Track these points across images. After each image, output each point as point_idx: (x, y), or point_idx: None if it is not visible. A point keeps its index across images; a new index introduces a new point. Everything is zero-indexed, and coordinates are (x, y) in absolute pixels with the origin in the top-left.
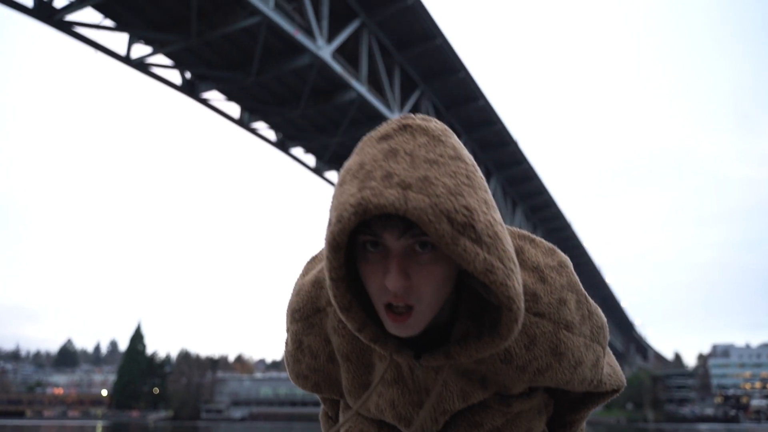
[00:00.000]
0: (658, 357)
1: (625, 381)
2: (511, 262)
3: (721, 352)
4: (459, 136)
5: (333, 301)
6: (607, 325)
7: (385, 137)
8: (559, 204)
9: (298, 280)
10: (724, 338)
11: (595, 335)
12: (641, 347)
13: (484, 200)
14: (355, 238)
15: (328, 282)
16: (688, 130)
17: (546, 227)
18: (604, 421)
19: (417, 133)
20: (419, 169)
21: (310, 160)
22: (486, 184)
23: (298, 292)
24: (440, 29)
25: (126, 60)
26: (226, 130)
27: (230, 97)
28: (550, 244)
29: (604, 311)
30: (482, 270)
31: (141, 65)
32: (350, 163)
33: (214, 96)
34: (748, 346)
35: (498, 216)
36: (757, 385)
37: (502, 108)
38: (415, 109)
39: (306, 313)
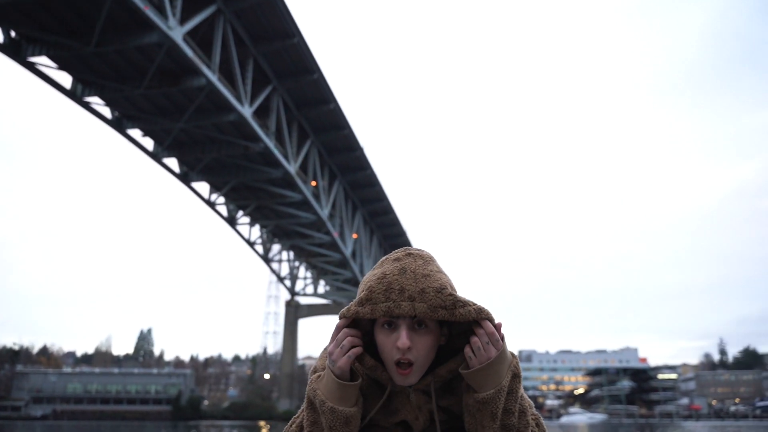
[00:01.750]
0: None
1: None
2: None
3: (525, 356)
4: (306, 138)
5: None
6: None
7: (398, 260)
8: (397, 212)
9: (325, 352)
10: (528, 345)
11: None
12: None
13: (455, 289)
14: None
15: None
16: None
17: (383, 233)
18: None
19: (416, 257)
20: (419, 283)
21: (149, 143)
22: (453, 283)
23: (320, 376)
24: (299, 28)
25: None
26: (55, 106)
27: (63, 65)
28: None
29: None
30: (476, 314)
31: None
32: (377, 272)
33: (44, 62)
34: (547, 353)
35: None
36: (552, 387)
37: (352, 113)
38: (265, 106)
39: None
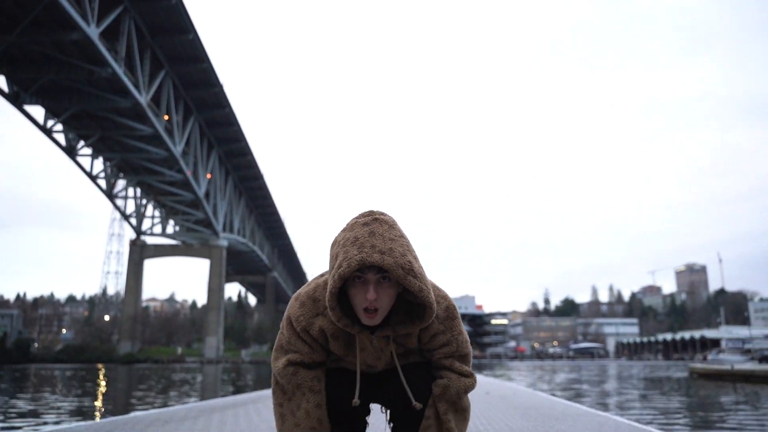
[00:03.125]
0: None
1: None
2: (429, 288)
3: None
4: (160, 68)
5: (328, 304)
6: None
7: (367, 224)
8: (255, 155)
9: (296, 301)
10: None
11: (451, 326)
12: None
13: (415, 257)
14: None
15: (327, 294)
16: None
17: (239, 174)
18: (270, 361)
19: (382, 222)
20: (387, 244)
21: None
22: (413, 246)
23: (302, 304)
24: None
25: None
26: None
27: None
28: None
29: (282, 260)
30: (417, 290)
31: None
32: (348, 235)
33: None
34: None
35: (420, 264)
36: None
37: (214, 47)
38: (115, 28)
39: (309, 316)
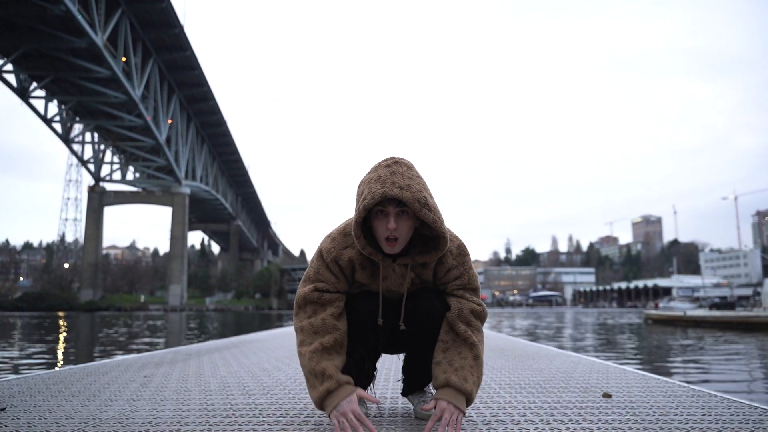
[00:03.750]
0: (287, 253)
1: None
2: (442, 221)
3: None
4: (117, 6)
5: (353, 233)
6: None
7: (388, 165)
8: (218, 100)
9: (327, 237)
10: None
11: (462, 261)
12: (273, 244)
13: (430, 194)
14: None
15: (353, 224)
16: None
17: (201, 120)
18: (235, 309)
19: (402, 164)
20: (406, 181)
21: None
22: (428, 186)
23: (333, 239)
24: None
25: None
26: None
27: None
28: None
29: (246, 208)
30: (431, 221)
31: None
32: (372, 175)
33: None
34: None
35: (435, 201)
36: None
37: None
38: None
39: (339, 248)
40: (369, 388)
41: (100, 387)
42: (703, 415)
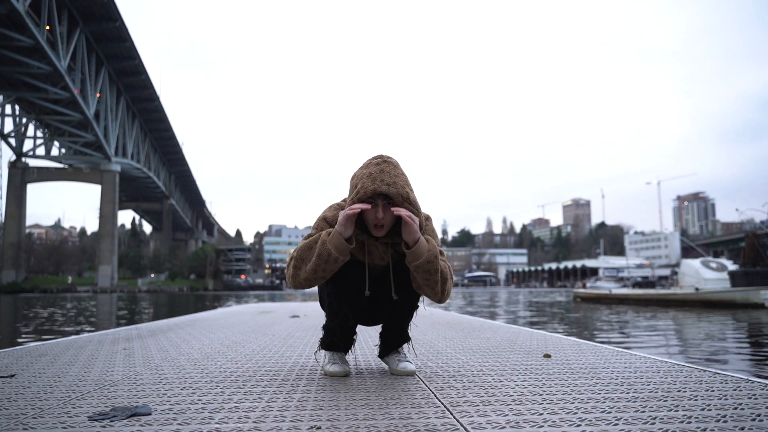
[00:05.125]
0: (223, 233)
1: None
2: (419, 210)
3: (275, 231)
4: None
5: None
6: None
7: (378, 164)
8: (151, 74)
9: (329, 209)
10: (277, 221)
11: (426, 229)
12: (209, 224)
13: (411, 189)
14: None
15: (349, 203)
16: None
17: (132, 95)
18: (169, 290)
19: (389, 163)
20: (392, 179)
21: None
22: (410, 182)
23: (334, 210)
24: None
25: None
26: None
27: None
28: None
29: (179, 187)
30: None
31: None
32: (364, 171)
33: None
34: (296, 228)
35: (415, 195)
36: None
37: None
38: None
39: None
40: (350, 350)
41: (88, 358)
42: (625, 368)
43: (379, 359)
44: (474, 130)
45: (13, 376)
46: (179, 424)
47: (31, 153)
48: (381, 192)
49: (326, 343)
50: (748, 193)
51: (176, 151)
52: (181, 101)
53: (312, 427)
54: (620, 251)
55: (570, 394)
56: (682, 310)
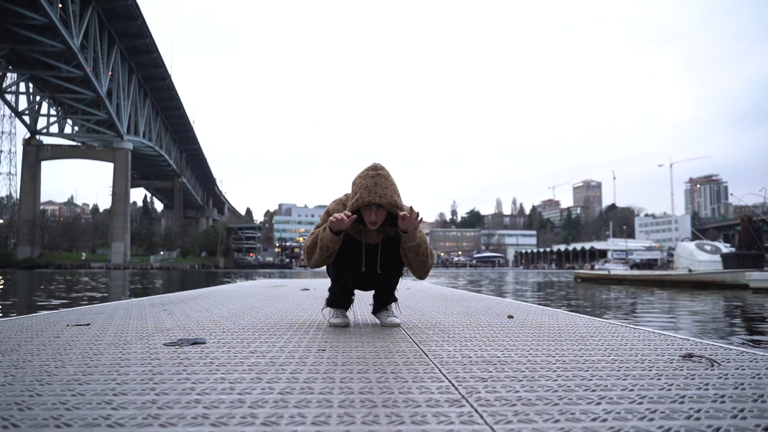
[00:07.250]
0: (233, 212)
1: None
2: (402, 208)
3: (285, 210)
4: None
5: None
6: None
7: (373, 176)
8: (162, 53)
9: (333, 203)
10: (288, 199)
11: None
12: (219, 202)
13: (399, 196)
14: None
15: (350, 207)
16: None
17: (144, 73)
18: (181, 267)
19: (381, 176)
20: (384, 190)
21: None
22: (398, 188)
23: (337, 204)
24: None
25: None
26: None
27: None
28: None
29: (190, 165)
30: (398, 212)
31: None
32: (362, 182)
33: None
34: (306, 206)
35: (401, 200)
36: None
37: None
38: None
39: (341, 210)
40: (350, 308)
41: (138, 315)
42: (568, 326)
43: (372, 315)
44: (485, 111)
45: (88, 324)
46: (228, 349)
47: (44, 131)
48: (375, 203)
49: (331, 302)
50: (762, 176)
51: (187, 129)
52: (192, 80)
53: (319, 350)
54: (630, 234)
55: (507, 331)
56: (674, 290)
